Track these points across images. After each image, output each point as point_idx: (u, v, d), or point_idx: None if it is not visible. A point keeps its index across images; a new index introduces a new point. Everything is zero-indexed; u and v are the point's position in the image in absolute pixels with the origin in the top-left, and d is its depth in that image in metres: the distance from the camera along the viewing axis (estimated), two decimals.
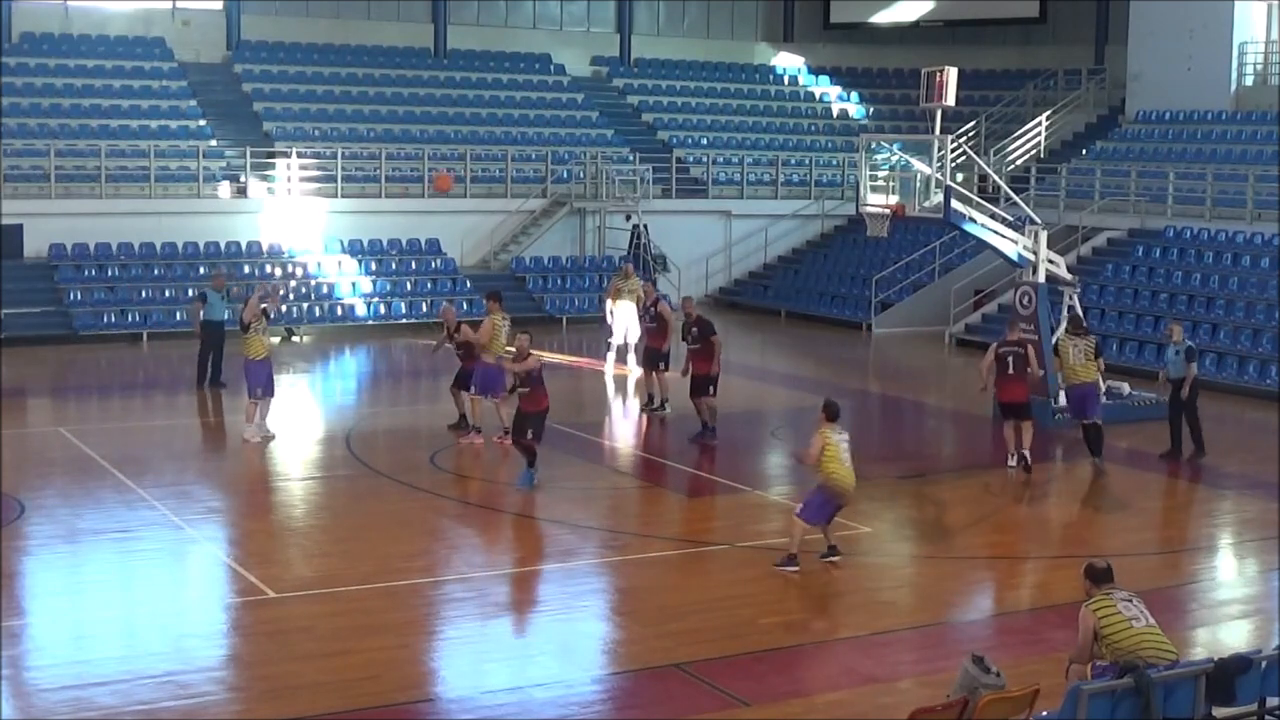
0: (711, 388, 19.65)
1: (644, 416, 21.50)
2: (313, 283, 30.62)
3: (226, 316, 22.88)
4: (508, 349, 18.12)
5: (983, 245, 23.03)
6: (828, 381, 25.48)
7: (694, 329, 19.83)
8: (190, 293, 29.33)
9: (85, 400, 23.77)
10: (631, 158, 35.36)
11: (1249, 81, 34.06)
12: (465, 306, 31.02)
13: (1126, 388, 22.38)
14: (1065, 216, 31.47)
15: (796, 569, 13.62)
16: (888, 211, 21.28)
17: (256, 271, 30.47)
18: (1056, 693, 8.84)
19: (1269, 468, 18.39)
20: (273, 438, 19.07)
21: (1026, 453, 17.91)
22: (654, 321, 21.71)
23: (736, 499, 17.02)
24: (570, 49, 39.80)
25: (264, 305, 19.49)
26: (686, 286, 32.72)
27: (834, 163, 37.87)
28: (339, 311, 30.45)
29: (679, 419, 20.61)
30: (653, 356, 21.56)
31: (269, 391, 19.25)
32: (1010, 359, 17.98)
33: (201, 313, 23.06)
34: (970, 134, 36.58)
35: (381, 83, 36.36)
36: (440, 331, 20.61)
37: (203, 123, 33.16)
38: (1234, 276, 27.18)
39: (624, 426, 21.69)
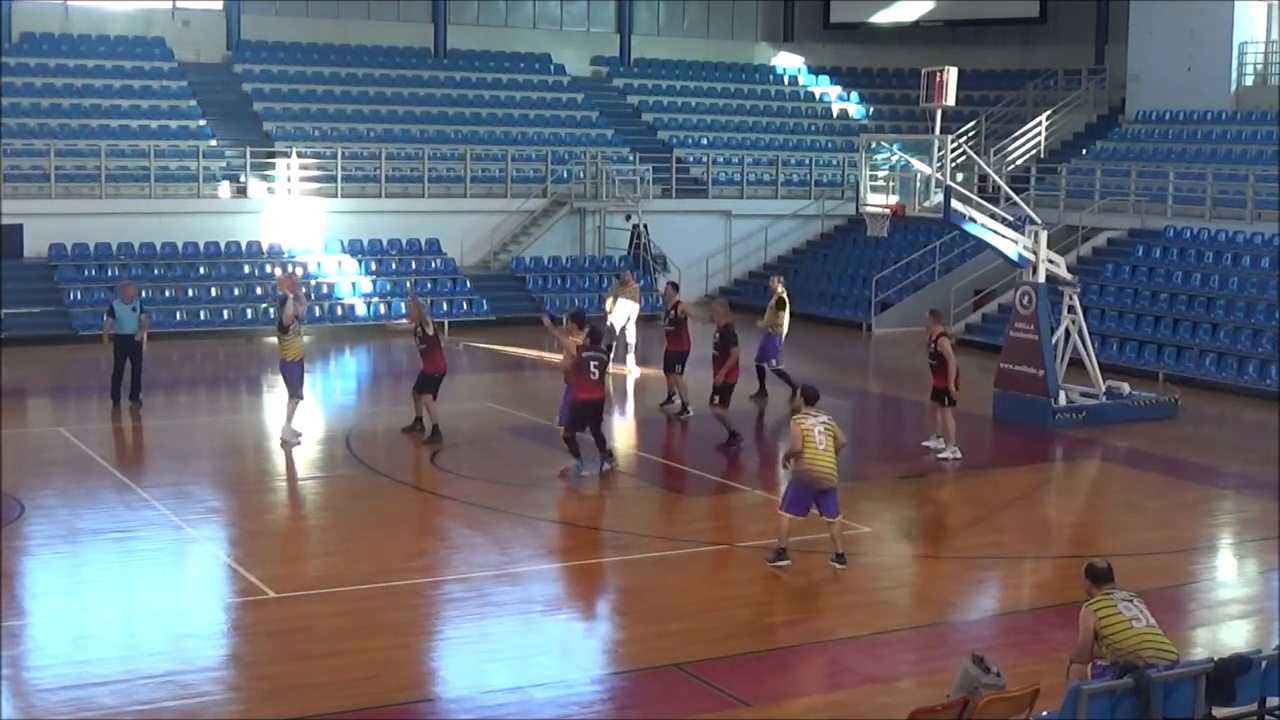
0: (719, 396, 19.35)
1: (663, 412, 21.66)
2: (313, 283, 30.59)
3: (137, 328, 21.22)
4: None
5: (983, 245, 23.03)
6: (828, 381, 25.44)
7: (716, 335, 19.69)
8: (190, 293, 29.47)
9: (85, 400, 23.73)
10: (631, 158, 35.36)
11: (1249, 81, 34.06)
12: (465, 306, 31.13)
13: (1126, 388, 22.36)
14: (1065, 216, 31.47)
15: (786, 563, 13.64)
16: (888, 211, 21.28)
17: (256, 271, 30.49)
18: (1056, 693, 8.84)
19: (1269, 468, 18.40)
20: (298, 442, 18.96)
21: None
22: (673, 325, 21.56)
23: (737, 499, 17.04)
24: (570, 49, 39.80)
25: (296, 306, 19.09)
26: (686, 287, 32.47)
27: (834, 163, 37.87)
28: (339, 311, 30.42)
29: (694, 421, 20.73)
30: (671, 360, 21.51)
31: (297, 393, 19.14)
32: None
33: (111, 326, 21.22)
34: (970, 134, 36.58)
35: (381, 83, 36.36)
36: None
37: (203, 123, 33.15)
38: (1234, 276, 27.16)
39: (623, 426, 21.68)
